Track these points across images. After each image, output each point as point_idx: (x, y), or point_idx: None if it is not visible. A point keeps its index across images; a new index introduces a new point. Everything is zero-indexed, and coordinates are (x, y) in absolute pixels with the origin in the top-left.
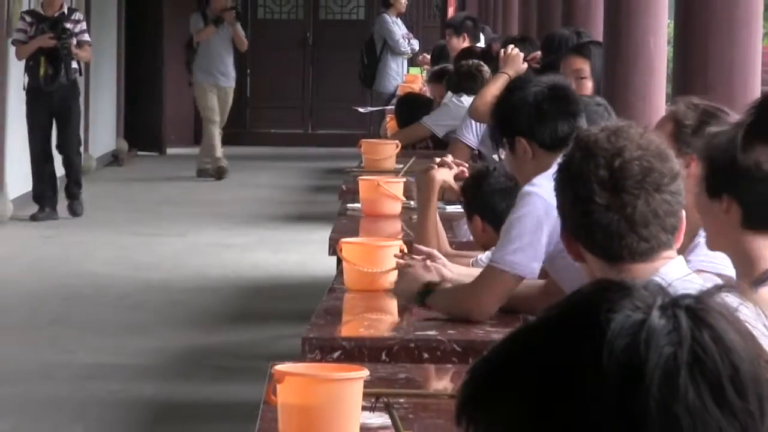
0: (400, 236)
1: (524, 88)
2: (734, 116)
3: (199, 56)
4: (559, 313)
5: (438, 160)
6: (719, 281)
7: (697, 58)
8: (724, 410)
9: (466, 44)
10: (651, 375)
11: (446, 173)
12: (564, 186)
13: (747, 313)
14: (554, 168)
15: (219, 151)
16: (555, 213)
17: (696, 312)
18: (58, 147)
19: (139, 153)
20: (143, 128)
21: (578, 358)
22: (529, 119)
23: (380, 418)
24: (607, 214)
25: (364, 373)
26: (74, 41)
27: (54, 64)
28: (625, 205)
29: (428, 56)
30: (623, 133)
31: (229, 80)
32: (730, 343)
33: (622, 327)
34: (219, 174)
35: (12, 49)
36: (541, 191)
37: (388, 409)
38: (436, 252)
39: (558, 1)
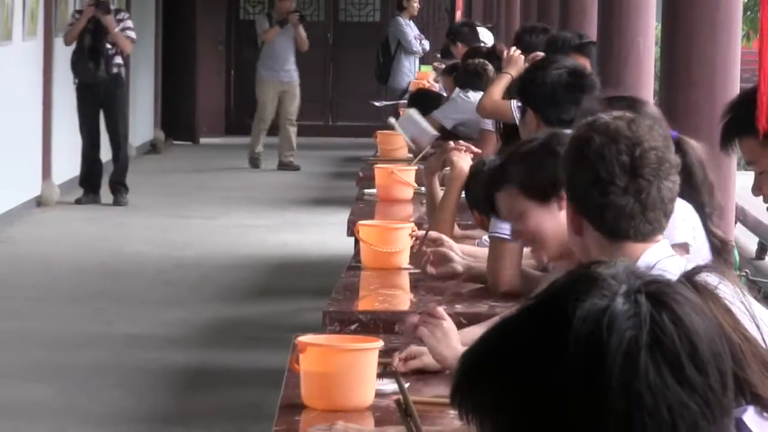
0: (412, 219)
1: (547, 69)
2: (649, 104)
3: (263, 55)
4: (533, 305)
5: (453, 145)
6: (699, 262)
7: (682, 56)
8: (684, 386)
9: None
10: (613, 357)
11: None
12: (581, 166)
13: (726, 290)
14: None
15: (259, 145)
16: None
17: (657, 296)
18: (110, 141)
19: (175, 142)
20: (178, 120)
21: (548, 346)
22: (543, 99)
23: (393, 385)
24: (624, 196)
25: (379, 344)
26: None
27: (95, 59)
28: (641, 190)
29: (439, 56)
30: (639, 124)
31: (290, 76)
32: (689, 324)
33: (587, 315)
34: (254, 165)
35: (57, 48)
36: None
37: (395, 376)
38: (444, 237)
39: (556, 5)
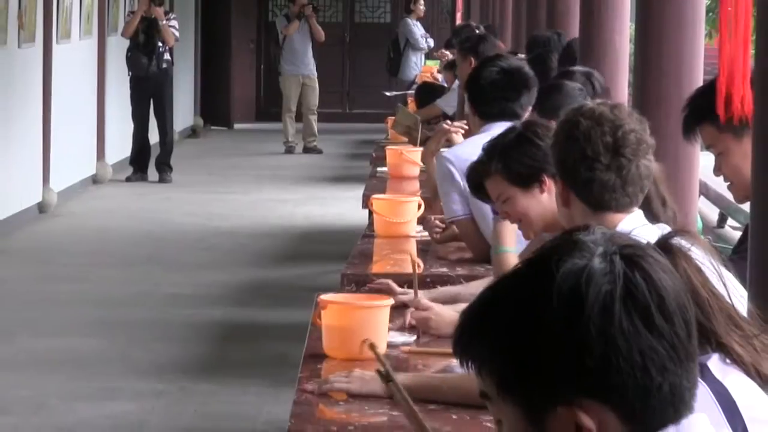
0: (419, 194)
1: (482, 68)
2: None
3: (285, 51)
4: (522, 266)
5: (446, 126)
6: (669, 229)
7: (653, 52)
8: (654, 333)
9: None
10: (591, 308)
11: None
12: (571, 145)
13: (698, 252)
14: (481, 134)
15: (290, 134)
16: (462, 164)
17: (630, 257)
18: (158, 126)
19: (212, 128)
20: (215, 108)
21: (535, 300)
22: (475, 94)
23: (403, 337)
24: (608, 172)
25: (390, 301)
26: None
27: (147, 55)
28: (622, 167)
29: (446, 52)
30: (620, 109)
31: (310, 68)
32: (658, 280)
33: (569, 272)
34: (288, 151)
35: (110, 46)
36: (446, 153)
37: (372, 349)
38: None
39: (543, 7)
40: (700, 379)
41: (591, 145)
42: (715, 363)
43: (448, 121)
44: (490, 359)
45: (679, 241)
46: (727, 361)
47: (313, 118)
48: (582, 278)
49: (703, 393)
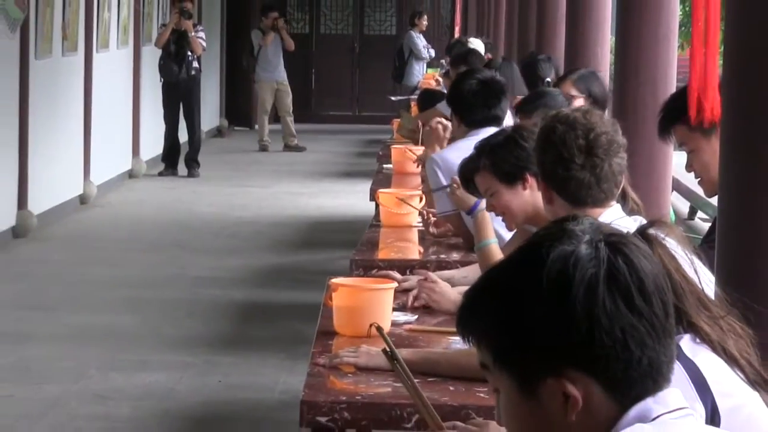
0: (421, 188)
1: (461, 81)
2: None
3: (260, 61)
4: (518, 252)
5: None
6: (644, 221)
7: (631, 63)
8: (634, 312)
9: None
10: (577, 289)
11: None
12: (549, 149)
13: (672, 242)
14: (467, 139)
15: (266, 133)
16: (447, 166)
17: (614, 244)
18: (187, 127)
19: (236, 128)
20: (238, 110)
21: (527, 281)
22: (458, 104)
23: (405, 317)
24: (582, 171)
25: (394, 285)
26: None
27: (178, 63)
28: (596, 166)
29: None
30: (592, 114)
31: (282, 75)
32: (638, 265)
33: (558, 257)
34: (263, 149)
35: (144, 55)
36: (434, 156)
37: (379, 330)
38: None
39: (533, 19)
40: None
41: (566, 148)
42: (686, 342)
43: (440, 121)
44: (487, 334)
45: (656, 231)
46: (697, 340)
47: (290, 119)
48: (569, 262)
49: (676, 370)
